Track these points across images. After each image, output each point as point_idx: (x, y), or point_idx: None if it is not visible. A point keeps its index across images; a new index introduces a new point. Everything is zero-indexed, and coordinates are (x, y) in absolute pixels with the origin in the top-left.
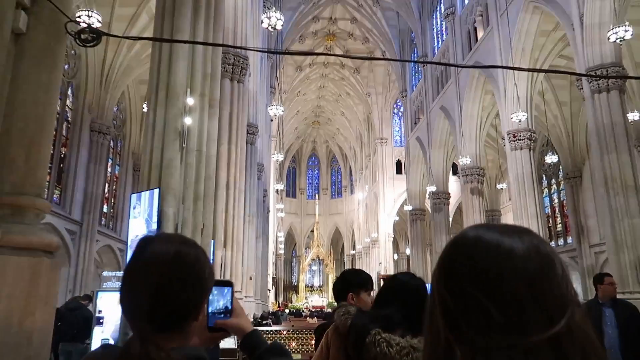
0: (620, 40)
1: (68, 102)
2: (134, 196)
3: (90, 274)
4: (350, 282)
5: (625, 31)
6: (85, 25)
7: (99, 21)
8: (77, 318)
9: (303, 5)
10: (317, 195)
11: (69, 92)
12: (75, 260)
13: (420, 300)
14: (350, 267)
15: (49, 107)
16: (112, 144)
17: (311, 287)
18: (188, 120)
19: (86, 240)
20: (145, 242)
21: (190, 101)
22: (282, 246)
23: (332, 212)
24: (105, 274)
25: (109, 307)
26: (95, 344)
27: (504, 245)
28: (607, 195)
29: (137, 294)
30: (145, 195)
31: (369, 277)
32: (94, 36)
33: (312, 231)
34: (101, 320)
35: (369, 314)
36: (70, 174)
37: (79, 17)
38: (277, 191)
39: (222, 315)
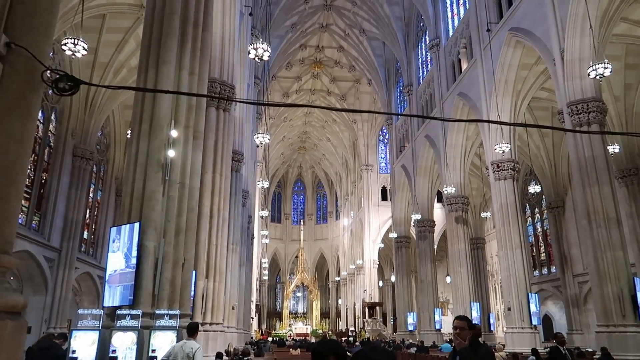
0: (600, 77)
1: (51, 127)
2: (114, 229)
3: (68, 302)
4: None
5: (605, 68)
6: (62, 73)
7: (84, 49)
8: (48, 358)
9: (290, 33)
10: (302, 220)
11: (52, 117)
12: (52, 289)
13: None
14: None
15: (20, 159)
16: (95, 169)
17: (295, 313)
18: (171, 153)
19: (64, 267)
20: None
21: (174, 133)
22: (267, 272)
23: (317, 237)
24: (80, 311)
25: (84, 347)
26: None
27: None
28: (589, 227)
29: None
30: (125, 228)
31: (327, 352)
32: (71, 85)
33: (296, 257)
34: None
35: None
36: (51, 200)
37: (65, 44)
38: (262, 217)
39: None
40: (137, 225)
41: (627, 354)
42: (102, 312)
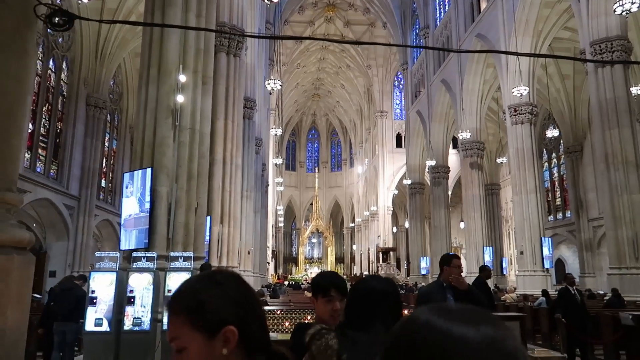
0: (626, 13)
1: (63, 76)
2: (127, 175)
3: (90, 249)
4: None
5: (632, 3)
6: (55, 7)
7: None
8: (69, 298)
9: None
10: (316, 168)
11: (64, 65)
12: (74, 235)
13: (392, 304)
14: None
15: (20, 98)
16: (109, 118)
17: (310, 259)
18: (180, 98)
19: (84, 215)
20: None
21: (182, 78)
22: (282, 219)
23: (331, 185)
24: (98, 254)
25: (102, 288)
26: (89, 323)
27: (453, 335)
28: (607, 170)
29: None
30: (137, 174)
31: (328, 284)
32: (66, 19)
33: (311, 204)
34: (94, 301)
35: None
36: (67, 149)
37: None
38: (276, 165)
39: None
40: (149, 170)
41: (638, 294)
42: (118, 254)
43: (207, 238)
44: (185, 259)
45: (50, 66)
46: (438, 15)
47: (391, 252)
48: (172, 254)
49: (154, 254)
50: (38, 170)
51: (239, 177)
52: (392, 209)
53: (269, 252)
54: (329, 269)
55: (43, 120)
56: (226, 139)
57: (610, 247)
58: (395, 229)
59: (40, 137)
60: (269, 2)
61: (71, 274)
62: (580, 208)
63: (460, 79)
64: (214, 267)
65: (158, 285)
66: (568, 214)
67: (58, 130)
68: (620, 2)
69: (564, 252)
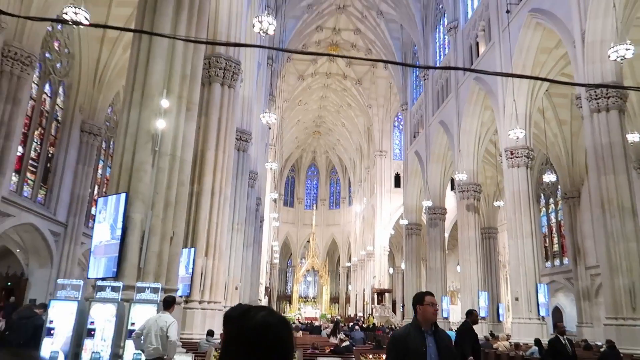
0: (621, 59)
1: (59, 100)
2: (100, 200)
3: (74, 277)
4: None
5: (627, 49)
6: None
7: (86, 18)
8: (27, 327)
9: (307, 14)
10: (314, 205)
11: (60, 90)
12: (57, 262)
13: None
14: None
15: None
16: (103, 145)
17: (305, 297)
18: (161, 123)
19: (70, 242)
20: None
21: (165, 103)
22: (277, 255)
23: (329, 223)
24: (60, 281)
25: (62, 318)
26: (44, 355)
27: None
28: (602, 217)
29: None
30: (111, 199)
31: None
32: None
33: (308, 241)
34: (52, 331)
35: None
36: (57, 174)
37: (65, 13)
38: (274, 200)
39: None
40: (123, 196)
41: (635, 347)
42: (81, 282)
43: (191, 270)
44: (153, 290)
45: (46, 90)
46: (438, 57)
47: (386, 294)
48: (139, 284)
49: (120, 284)
50: (25, 194)
51: (227, 209)
52: (388, 249)
53: (262, 289)
54: (324, 309)
55: (34, 144)
56: (216, 169)
57: (606, 297)
58: (391, 270)
59: (30, 161)
60: (264, 34)
61: (31, 302)
62: (578, 255)
63: (458, 120)
64: (196, 300)
65: (122, 318)
66: (566, 260)
67: (49, 155)
68: (615, 47)
69: (562, 300)
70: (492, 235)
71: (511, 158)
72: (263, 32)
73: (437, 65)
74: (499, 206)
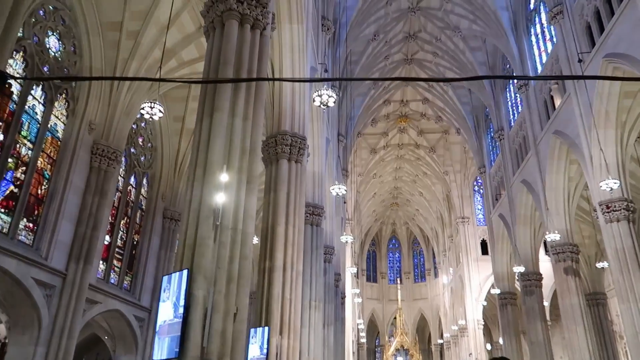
0: None
1: (143, 191)
2: (165, 278)
3: None
4: None
5: None
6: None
7: (160, 111)
8: None
9: (373, 90)
10: (399, 279)
11: (144, 181)
12: (142, 348)
13: None
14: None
15: None
16: None
17: None
18: (221, 197)
19: (154, 327)
20: None
21: (224, 177)
22: (364, 334)
23: (415, 297)
24: None
25: None
26: None
27: None
28: None
29: None
30: (174, 276)
31: None
32: None
33: (395, 318)
34: None
35: None
36: (142, 261)
37: (142, 108)
38: (355, 276)
39: None
40: (185, 272)
41: None
42: None
43: (265, 350)
44: None
45: (131, 182)
46: (512, 116)
47: None
48: None
49: None
50: (112, 281)
51: (300, 284)
52: (483, 322)
53: None
54: None
55: (120, 232)
56: (287, 244)
57: None
58: (489, 346)
59: (117, 249)
60: (324, 107)
61: None
62: None
63: (542, 178)
64: None
65: None
66: None
67: (134, 242)
68: None
69: None
70: (600, 301)
71: (608, 212)
72: (323, 105)
73: (512, 124)
74: (602, 268)
